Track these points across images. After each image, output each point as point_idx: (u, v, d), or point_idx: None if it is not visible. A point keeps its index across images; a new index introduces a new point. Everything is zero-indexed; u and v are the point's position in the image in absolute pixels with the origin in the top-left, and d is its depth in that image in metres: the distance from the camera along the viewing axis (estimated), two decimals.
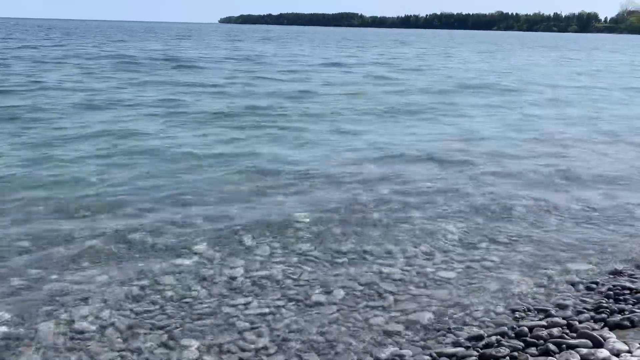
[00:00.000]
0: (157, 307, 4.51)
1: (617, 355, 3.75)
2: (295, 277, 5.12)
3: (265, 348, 4.04)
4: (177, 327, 4.21)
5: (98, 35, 72.08)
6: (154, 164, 8.79)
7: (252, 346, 4.05)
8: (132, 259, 5.34)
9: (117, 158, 9.10)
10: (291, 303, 4.67)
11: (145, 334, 4.11)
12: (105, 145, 9.92)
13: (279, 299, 4.71)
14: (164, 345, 3.99)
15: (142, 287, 4.81)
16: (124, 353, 3.87)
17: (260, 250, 5.63)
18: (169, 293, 4.74)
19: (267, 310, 4.54)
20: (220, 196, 7.27)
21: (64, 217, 6.36)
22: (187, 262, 5.33)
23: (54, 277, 4.94)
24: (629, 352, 3.80)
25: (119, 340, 4.03)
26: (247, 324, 4.31)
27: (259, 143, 10.57)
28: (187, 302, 4.60)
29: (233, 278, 5.04)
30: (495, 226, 6.48)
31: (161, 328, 4.20)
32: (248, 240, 5.87)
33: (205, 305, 4.56)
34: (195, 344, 4.01)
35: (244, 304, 4.61)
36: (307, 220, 6.47)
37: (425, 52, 51.45)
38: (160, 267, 5.19)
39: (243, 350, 3.99)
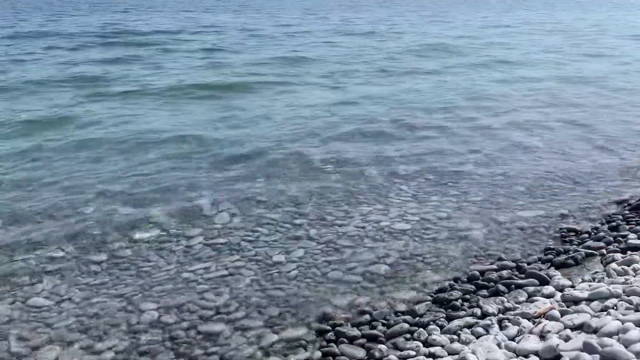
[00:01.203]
0: (115, 278, 4.49)
1: (562, 290, 3.96)
2: (254, 240, 5.17)
3: (226, 305, 4.10)
4: (136, 294, 4.22)
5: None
6: (105, 141, 8.59)
7: (213, 304, 4.10)
8: (88, 235, 5.26)
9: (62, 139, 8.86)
10: (251, 264, 4.72)
11: (102, 302, 4.11)
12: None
13: (238, 261, 4.76)
14: (123, 309, 4.01)
15: (99, 262, 4.77)
16: (81, 319, 3.87)
17: (218, 218, 5.63)
18: (126, 264, 4.72)
19: (226, 272, 4.59)
20: (177, 169, 7.19)
21: (15, 196, 6.19)
22: (144, 234, 5.28)
23: (7, 256, 4.84)
24: (572, 287, 4.02)
25: (76, 310, 4.01)
26: (207, 286, 4.35)
27: (213, 113, 10.43)
28: (145, 272, 4.59)
29: (191, 246, 5.05)
30: (448, 180, 6.65)
31: (119, 296, 4.20)
32: (206, 209, 5.85)
33: (164, 273, 4.56)
34: (154, 306, 4.04)
35: (204, 269, 4.64)
36: (265, 186, 6.49)
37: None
38: (117, 240, 5.14)
39: (203, 308, 4.04)
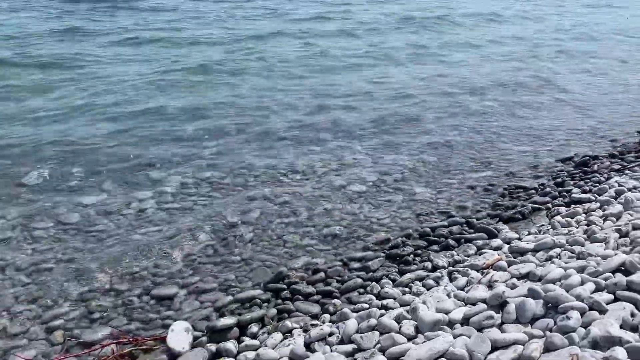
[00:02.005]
0: (62, 243, 4.37)
1: (509, 242, 4.09)
2: (208, 204, 5.11)
3: (180, 270, 4.05)
4: (86, 260, 4.12)
5: None
6: (53, 103, 8.22)
7: (166, 270, 4.05)
8: (33, 201, 5.07)
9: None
10: (206, 226, 4.67)
11: (50, 269, 4.00)
12: None
13: (191, 224, 4.69)
14: (73, 277, 3.90)
15: (45, 228, 4.61)
16: (30, 287, 3.75)
17: (171, 182, 5.52)
18: (75, 230, 4.59)
19: (180, 237, 4.52)
20: (127, 133, 6.97)
21: None
22: (93, 199, 5.13)
23: None
24: (519, 239, 4.16)
25: (22, 277, 3.89)
26: (160, 251, 4.29)
27: (157, 80, 10.12)
28: (94, 236, 4.48)
29: (143, 210, 4.95)
30: (403, 141, 6.72)
31: (69, 261, 4.09)
32: (156, 174, 5.72)
33: (114, 238, 4.47)
34: (105, 273, 3.96)
35: (156, 233, 4.56)
36: (218, 150, 6.38)
37: None
38: (65, 206, 4.98)
39: (155, 275, 3.98)
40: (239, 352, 3.03)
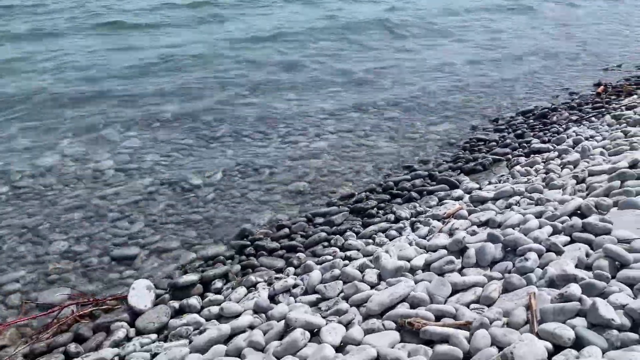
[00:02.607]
0: (17, 208, 4.21)
1: (470, 192, 4.13)
2: (169, 164, 4.99)
3: (140, 231, 3.96)
4: (42, 224, 3.98)
5: None
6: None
7: (126, 231, 3.95)
8: None
9: None
10: (166, 188, 4.57)
11: (3, 234, 3.85)
12: None
13: (152, 186, 4.58)
14: (29, 241, 3.78)
15: None
16: None
17: (129, 144, 5.37)
18: (29, 194, 4.42)
19: (140, 197, 4.42)
20: (83, 94, 6.72)
21: None
22: (48, 160, 4.95)
23: None
24: (479, 188, 4.21)
25: None
26: (119, 213, 4.18)
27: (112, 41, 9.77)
28: (50, 200, 4.33)
29: (101, 172, 4.80)
30: (366, 98, 6.67)
31: (23, 226, 3.95)
32: (115, 135, 5.56)
33: (72, 201, 4.32)
34: (63, 236, 3.84)
35: (114, 195, 4.44)
36: (178, 110, 6.22)
37: None
38: (18, 168, 4.79)
39: (116, 236, 3.89)
40: (202, 308, 3.00)
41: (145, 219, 4.12)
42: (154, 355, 2.55)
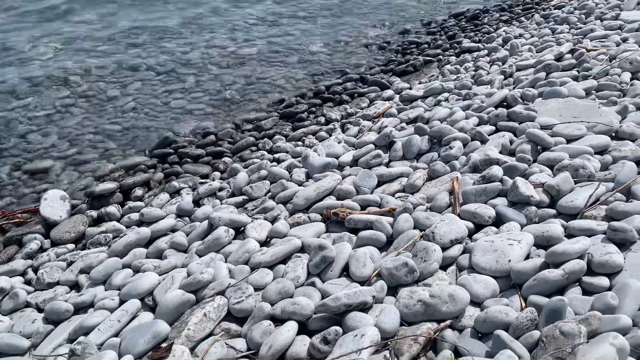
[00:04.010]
0: None
1: (400, 92, 4.06)
2: (85, 75, 4.61)
3: (54, 145, 3.69)
4: None
5: None
6: None
7: (40, 145, 3.67)
8: None
9: None
10: (82, 101, 4.24)
11: None
12: None
13: (67, 99, 4.24)
14: None
15: None
16: None
17: (40, 54, 4.91)
18: None
19: (53, 110, 4.09)
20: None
21: None
22: None
23: None
24: (410, 88, 4.14)
25: None
26: (31, 127, 3.86)
27: None
28: None
29: (5, 82, 4.39)
30: (297, 3, 6.36)
31: None
32: (23, 45, 5.06)
33: None
34: None
35: (23, 107, 4.08)
36: (95, 19, 5.72)
37: None
38: None
39: (26, 151, 3.60)
40: (122, 216, 2.85)
41: (60, 132, 3.84)
42: (70, 263, 2.41)
